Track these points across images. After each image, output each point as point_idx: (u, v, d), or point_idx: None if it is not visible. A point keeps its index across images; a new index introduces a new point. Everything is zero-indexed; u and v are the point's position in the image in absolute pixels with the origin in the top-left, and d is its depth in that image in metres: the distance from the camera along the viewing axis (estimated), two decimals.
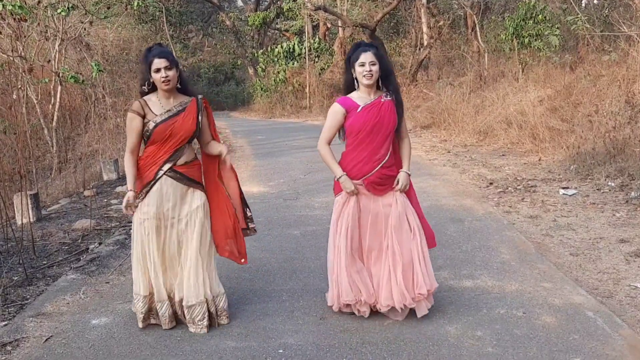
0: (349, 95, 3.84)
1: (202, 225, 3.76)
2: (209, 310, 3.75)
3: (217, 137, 3.97)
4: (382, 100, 3.78)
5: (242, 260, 3.99)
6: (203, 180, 3.89)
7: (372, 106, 3.75)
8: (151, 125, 3.64)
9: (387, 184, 3.82)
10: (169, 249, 3.75)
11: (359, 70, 3.72)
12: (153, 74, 3.62)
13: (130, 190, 3.63)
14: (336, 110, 3.84)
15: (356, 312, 3.87)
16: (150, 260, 3.71)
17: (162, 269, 3.75)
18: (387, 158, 3.79)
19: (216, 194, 3.89)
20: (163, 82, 3.61)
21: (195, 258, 3.72)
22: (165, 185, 3.70)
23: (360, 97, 3.80)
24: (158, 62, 3.59)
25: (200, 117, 3.74)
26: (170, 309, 3.77)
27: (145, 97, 3.72)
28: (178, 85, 3.72)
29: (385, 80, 3.81)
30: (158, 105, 3.69)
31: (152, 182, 3.69)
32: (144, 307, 3.75)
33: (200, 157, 3.93)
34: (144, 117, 3.66)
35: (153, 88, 3.72)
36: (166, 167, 3.69)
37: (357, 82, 3.78)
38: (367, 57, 3.70)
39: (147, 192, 3.70)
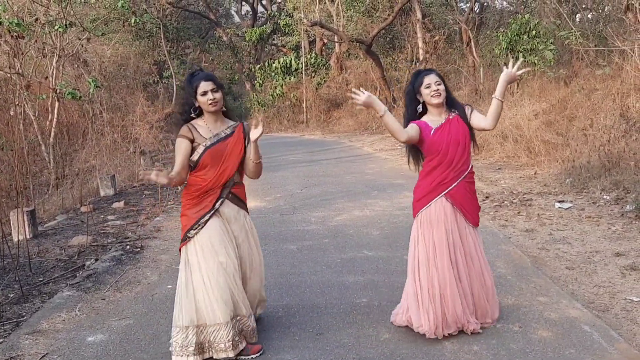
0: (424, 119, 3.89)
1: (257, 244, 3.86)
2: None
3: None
4: (450, 117, 3.85)
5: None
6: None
7: (444, 126, 3.82)
8: (201, 149, 3.63)
9: (469, 203, 3.86)
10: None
11: (425, 92, 3.78)
12: (199, 97, 3.62)
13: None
14: (411, 126, 3.83)
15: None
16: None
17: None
18: (468, 169, 3.88)
19: None
20: (210, 104, 3.62)
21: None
22: (223, 212, 3.71)
23: (431, 120, 3.85)
24: (205, 85, 3.61)
25: (247, 142, 3.74)
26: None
27: (192, 122, 3.72)
28: (224, 109, 3.76)
29: (450, 99, 3.88)
30: (206, 129, 3.68)
31: (210, 214, 3.65)
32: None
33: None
34: (192, 141, 3.65)
35: (199, 113, 3.74)
36: (225, 193, 3.70)
37: (424, 106, 3.85)
38: (431, 78, 3.79)
39: (205, 223, 3.64)
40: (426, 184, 3.85)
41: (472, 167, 3.94)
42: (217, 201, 3.67)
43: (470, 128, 3.91)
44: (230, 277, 3.58)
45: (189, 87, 3.70)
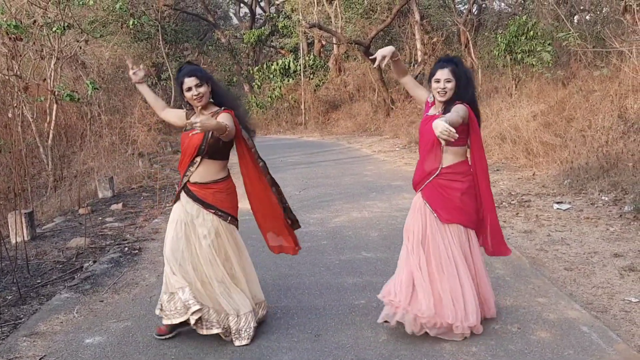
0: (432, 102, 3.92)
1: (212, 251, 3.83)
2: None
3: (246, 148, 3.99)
4: (438, 112, 3.79)
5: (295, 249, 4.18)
6: (223, 206, 3.88)
7: (428, 118, 3.82)
8: (182, 133, 3.93)
9: (440, 203, 3.78)
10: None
11: (434, 86, 3.76)
12: (185, 93, 3.73)
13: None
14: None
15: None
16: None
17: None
18: (439, 169, 3.79)
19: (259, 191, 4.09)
20: (195, 99, 3.72)
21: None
22: (182, 199, 3.89)
23: (435, 107, 3.87)
24: (188, 81, 3.70)
25: (208, 133, 3.69)
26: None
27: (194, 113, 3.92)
28: (211, 100, 3.81)
29: (460, 95, 3.76)
30: (195, 117, 3.79)
31: (178, 193, 3.92)
32: None
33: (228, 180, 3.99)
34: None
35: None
36: (184, 181, 3.84)
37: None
38: (443, 74, 3.72)
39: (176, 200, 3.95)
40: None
41: (445, 166, 3.79)
42: (181, 183, 3.87)
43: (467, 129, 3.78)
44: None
45: (177, 83, 3.83)
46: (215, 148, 3.77)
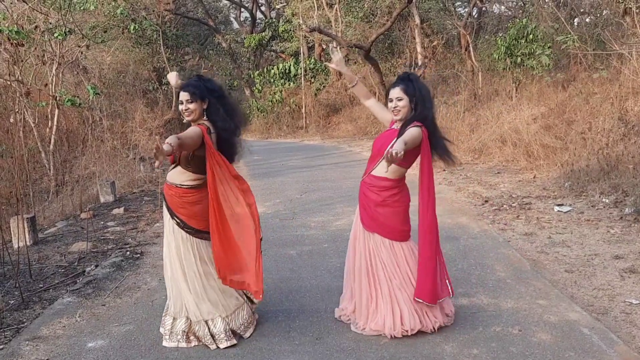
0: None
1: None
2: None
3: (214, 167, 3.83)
4: (394, 127, 3.89)
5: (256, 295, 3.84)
6: (176, 213, 3.85)
7: (388, 132, 3.92)
8: None
9: (366, 206, 3.94)
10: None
11: (389, 106, 3.84)
12: (180, 106, 3.82)
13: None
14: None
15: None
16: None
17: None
18: (365, 176, 3.97)
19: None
20: (184, 113, 3.82)
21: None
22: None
23: (396, 125, 3.91)
24: (182, 95, 3.80)
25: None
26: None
27: None
28: (201, 116, 3.83)
29: (418, 114, 3.76)
30: None
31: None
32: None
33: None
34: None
35: None
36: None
37: None
38: (394, 92, 3.80)
39: None
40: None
41: (374, 176, 3.88)
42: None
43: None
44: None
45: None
46: (185, 160, 3.79)
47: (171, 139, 3.37)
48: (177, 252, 3.82)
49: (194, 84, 3.82)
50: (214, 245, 3.76)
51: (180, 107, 3.82)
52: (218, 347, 3.77)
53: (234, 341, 3.81)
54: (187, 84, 3.82)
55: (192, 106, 3.77)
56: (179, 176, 3.86)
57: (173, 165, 3.87)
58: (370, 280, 3.88)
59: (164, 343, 3.86)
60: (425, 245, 3.77)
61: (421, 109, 3.75)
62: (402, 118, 3.80)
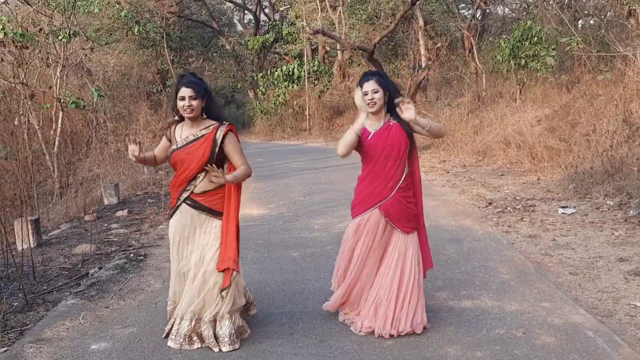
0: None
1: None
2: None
3: (244, 162, 3.90)
4: (391, 124, 3.88)
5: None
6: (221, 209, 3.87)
7: (382, 131, 3.86)
8: (170, 150, 3.87)
9: (404, 215, 3.90)
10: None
11: (365, 99, 3.81)
12: (178, 101, 3.73)
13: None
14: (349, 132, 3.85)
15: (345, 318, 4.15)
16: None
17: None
18: (402, 179, 3.88)
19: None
20: (185, 110, 3.72)
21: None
22: (183, 213, 3.86)
23: (370, 124, 3.90)
24: (184, 91, 3.71)
25: (215, 147, 3.75)
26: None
27: (179, 124, 3.90)
28: (203, 116, 3.82)
29: (391, 105, 3.87)
30: (180, 131, 3.85)
31: (174, 210, 3.90)
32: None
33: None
34: (170, 141, 3.90)
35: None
36: (184, 196, 3.83)
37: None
38: (368, 86, 3.82)
39: (171, 216, 3.94)
40: (360, 190, 4.01)
41: (406, 175, 3.92)
42: (177, 200, 3.87)
43: (411, 138, 3.90)
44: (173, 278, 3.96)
45: (174, 89, 3.81)
46: (218, 159, 3.81)
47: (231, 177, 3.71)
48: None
49: (197, 82, 3.77)
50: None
51: (181, 103, 3.70)
52: (221, 350, 3.76)
53: (237, 346, 3.80)
54: (190, 80, 3.74)
55: (195, 103, 3.70)
56: (210, 183, 3.81)
57: (197, 179, 3.82)
58: (402, 281, 3.90)
59: (169, 343, 3.87)
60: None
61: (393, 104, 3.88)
62: (377, 110, 3.84)
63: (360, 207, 3.97)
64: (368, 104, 3.80)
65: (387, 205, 3.86)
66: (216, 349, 3.77)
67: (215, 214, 3.83)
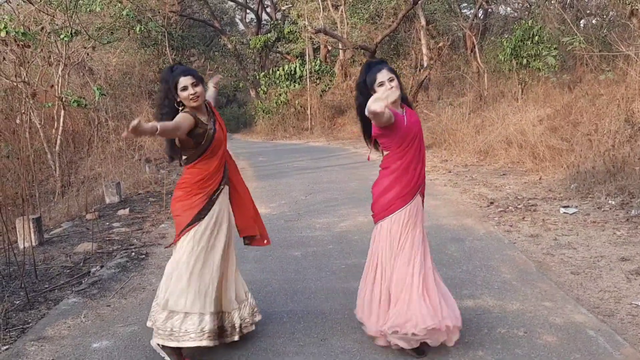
0: None
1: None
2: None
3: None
4: (404, 111, 3.66)
5: (265, 241, 4.03)
6: None
7: (408, 116, 3.62)
8: (211, 132, 3.63)
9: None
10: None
11: (381, 90, 3.52)
12: (180, 93, 3.55)
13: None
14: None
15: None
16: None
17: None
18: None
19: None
20: (192, 98, 3.55)
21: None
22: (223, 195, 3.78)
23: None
24: (184, 80, 3.54)
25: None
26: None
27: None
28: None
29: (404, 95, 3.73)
30: (202, 115, 3.67)
31: (216, 195, 3.71)
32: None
33: None
34: (196, 125, 3.56)
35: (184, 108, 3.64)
36: (224, 180, 3.77)
37: None
38: (383, 75, 3.56)
39: (209, 209, 3.67)
40: (406, 181, 3.60)
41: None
42: (219, 185, 3.72)
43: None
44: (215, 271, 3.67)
45: (167, 82, 3.61)
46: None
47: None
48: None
49: (191, 68, 3.71)
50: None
51: (185, 93, 3.53)
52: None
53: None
54: (185, 69, 3.63)
55: (198, 89, 3.56)
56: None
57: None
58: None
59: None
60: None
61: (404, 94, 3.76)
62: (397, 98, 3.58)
63: (402, 201, 3.59)
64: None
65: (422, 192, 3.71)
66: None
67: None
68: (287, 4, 30.31)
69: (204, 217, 3.63)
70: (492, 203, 8.14)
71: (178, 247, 3.65)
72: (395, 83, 3.55)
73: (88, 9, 13.13)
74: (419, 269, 3.54)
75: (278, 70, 27.35)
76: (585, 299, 4.51)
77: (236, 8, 40.57)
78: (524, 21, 15.20)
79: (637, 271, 5.03)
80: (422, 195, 3.73)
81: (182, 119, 3.51)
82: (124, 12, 15.71)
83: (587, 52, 12.94)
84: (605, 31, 14.01)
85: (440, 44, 22.21)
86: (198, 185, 3.64)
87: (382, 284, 3.63)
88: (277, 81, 26.81)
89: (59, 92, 11.66)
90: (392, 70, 3.62)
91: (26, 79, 10.89)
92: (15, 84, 10.89)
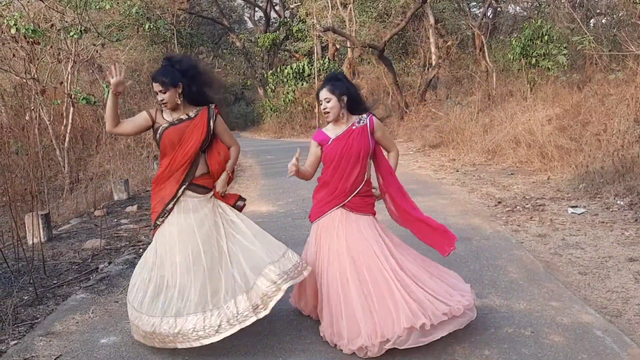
0: (324, 129, 3.93)
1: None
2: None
3: (234, 142, 4.03)
4: (354, 127, 3.81)
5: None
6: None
7: (341, 137, 3.81)
8: (160, 129, 3.75)
9: (363, 207, 3.90)
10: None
11: (321, 107, 3.83)
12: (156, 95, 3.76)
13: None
14: (311, 144, 3.96)
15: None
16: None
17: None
18: (361, 186, 3.86)
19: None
20: (160, 103, 3.77)
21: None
22: (185, 200, 3.82)
23: (332, 129, 3.88)
24: (155, 86, 3.74)
25: (211, 126, 3.80)
26: None
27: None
28: (178, 101, 3.77)
29: (354, 108, 3.85)
30: (168, 114, 3.82)
31: (173, 201, 3.79)
32: None
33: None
34: (153, 122, 3.80)
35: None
36: (187, 181, 3.80)
37: None
38: (321, 94, 3.80)
39: (169, 211, 3.80)
40: (321, 196, 3.96)
41: (368, 178, 3.91)
42: (178, 189, 3.77)
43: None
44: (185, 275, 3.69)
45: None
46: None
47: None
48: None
49: (163, 72, 3.73)
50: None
51: (157, 97, 3.75)
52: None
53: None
54: (156, 73, 3.74)
55: (165, 96, 3.69)
56: (204, 164, 3.90)
57: (195, 164, 3.85)
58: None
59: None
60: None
61: (362, 103, 3.88)
62: (333, 119, 3.82)
63: (320, 211, 4.01)
64: (324, 114, 3.81)
65: (348, 204, 3.86)
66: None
67: (208, 190, 3.91)
68: (295, 2, 30.29)
69: (159, 227, 3.83)
70: (499, 202, 8.11)
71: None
72: (331, 104, 3.75)
73: (97, 7, 13.18)
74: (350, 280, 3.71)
75: (286, 68, 27.38)
76: (592, 299, 4.49)
77: (245, 6, 40.61)
78: (533, 20, 15.11)
79: None
80: (350, 208, 3.85)
81: (138, 115, 3.87)
82: (133, 10, 15.77)
83: (597, 52, 12.86)
84: (615, 31, 13.92)
85: (449, 43, 22.13)
86: (156, 182, 3.88)
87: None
88: (285, 79, 26.83)
89: (68, 89, 11.72)
90: (333, 89, 3.76)
91: (36, 76, 10.96)
92: (24, 80, 10.95)
